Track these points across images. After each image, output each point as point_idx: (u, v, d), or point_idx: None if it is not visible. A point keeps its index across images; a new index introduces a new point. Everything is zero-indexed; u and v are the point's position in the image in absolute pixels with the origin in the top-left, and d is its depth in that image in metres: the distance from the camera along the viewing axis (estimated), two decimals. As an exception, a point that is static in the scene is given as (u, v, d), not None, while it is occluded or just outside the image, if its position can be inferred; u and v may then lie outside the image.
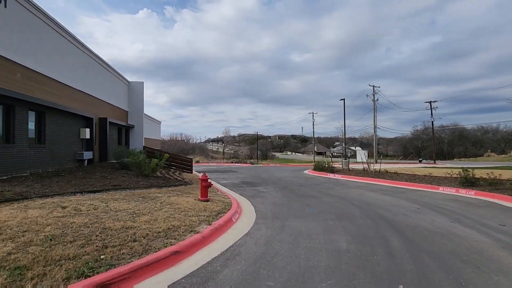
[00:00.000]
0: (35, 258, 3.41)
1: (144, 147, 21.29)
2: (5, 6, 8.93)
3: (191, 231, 4.98)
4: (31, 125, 10.31)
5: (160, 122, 42.97)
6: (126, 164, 13.87)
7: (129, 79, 22.20)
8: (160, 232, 4.75)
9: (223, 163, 47.70)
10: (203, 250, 4.43)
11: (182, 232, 4.85)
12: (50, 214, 5.25)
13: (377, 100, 40.98)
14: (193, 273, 3.58)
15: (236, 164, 44.14)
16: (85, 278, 3.11)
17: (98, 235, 4.33)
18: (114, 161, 16.15)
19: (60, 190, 7.52)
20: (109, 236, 4.35)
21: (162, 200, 7.36)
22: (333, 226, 6.00)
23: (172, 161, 18.38)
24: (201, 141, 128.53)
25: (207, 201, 7.80)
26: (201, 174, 8.95)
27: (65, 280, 3.02)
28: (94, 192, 7.87)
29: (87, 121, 14.52)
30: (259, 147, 70.83)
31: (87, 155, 13.75)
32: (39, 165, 10.49)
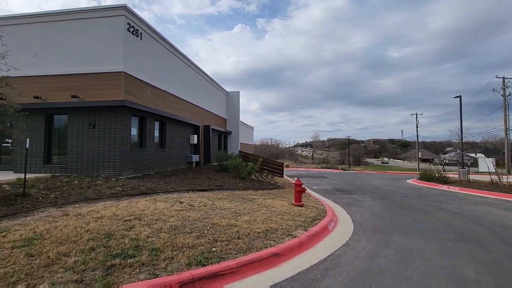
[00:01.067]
0: (165, 243, 4.14)
1: (239, 151, 23.11)
2: (141, 39, 11.31)
3: (288, 234, 5.09)
4: (156, 133, 12.67)
5: (253, 128, 45.88)
6: (225, 166, 15.35)
7: (227, 90, 24.59)
8: (259, 232, 5.03)
9: (313, 168, 46.91)
10: (301, 256, 4.44)
11: (280, 235, 5.00)
12: (172, 207, 6.29)
13: (510, 95, 32.48)
14: (293, 278, 3.63)
15: (326, 169, 42.70)
16: (202, 266, 3.58)
17: (209, 230, 4.93)
18: (215, 164, 18.12)
19: (177, 187, 8.93)
20: (217, 232, 4.88)
21: (259, 202, 7.78)
22: (452, 248, 5.05)
23: (265, 165, 19.26)
24: (290, 145, 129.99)
25: (301, 206, 7.81)
26: (293, 178, 9.02)
27: (187, 265, 3.55)
28: (202, 190, 9.00)
29: (195, 129, 16.84)
30: (351, 152, 66.50)
31: (195, 158, 15.90)
32: (161, 166, 12.77)
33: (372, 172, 39.70)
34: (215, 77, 19.97)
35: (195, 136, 16.26)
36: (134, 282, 3.09)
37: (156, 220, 5.19)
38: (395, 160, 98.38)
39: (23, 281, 2.97)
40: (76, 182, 8.21)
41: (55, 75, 10.57)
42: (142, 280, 3.14)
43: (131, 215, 5.35)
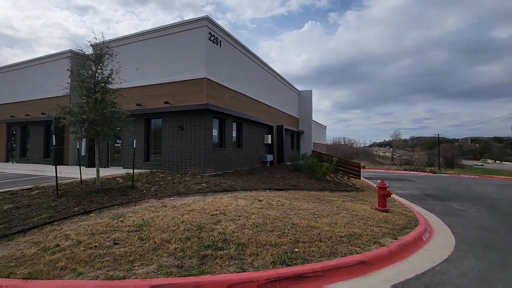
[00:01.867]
0: (249, 239, 4.31)
1: (312, 151, 22.62)
2: (220, 46, 12.15)
3: (375, 242, 4.69)
4: (234, 134, 13.43)
5: (326, 127, 44.40)
6: (299, 166, 15.23)
7: (298, 89, 24.35)
8: (342, 236, 4.78)
9: (393, 170, 42.41)
10: (393, 267, 4.03)
11: (366, 242, 4.65)
12: (252, 205, 6.54)
13: None
14: (387, 291, 3.31)
15: (411, 172, 38.01)
16: (286, 266, 3.60)
17: (289, 229, 4.93)
18: (289, 163, 18.16)
19: (254, 186, 9.26)
20: (298, 232, 4.84)
21: (338, 204, 7.43)
22: None
23: (340, 166, 18.34)
24: (365, 145, 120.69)
25: (386, 211, 7.13)
26: (372, 181, 8.28)
27: (272, 263, 3.61)
28: (278, 190, 9.11)
29: (269, 129, 17.21)
30: (442, 153, 57.55)
31: (269, 157, 16.26)
32: (238, 165, 13.48)
33: (472, 176, 33.46)
34: (285, 77, 20.03)
35: (269, 136, 16.62)
36: (225, 273, 3.31)
37: (239, 216, 5.47)
38: (504, 162, 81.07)
39: (138, 261, 3.51)
40: (169, 178, 9.35)
41: (152, 84, 12.26)
42: (232, 273, 3.34)
43: (216, 210, 5.77)
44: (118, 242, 3.97)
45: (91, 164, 13.50)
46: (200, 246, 3.96)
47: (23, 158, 17.01)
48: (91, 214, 5.17)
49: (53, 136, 6.05)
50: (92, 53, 6.73)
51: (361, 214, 6.50)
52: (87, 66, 6.63)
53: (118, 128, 7.00)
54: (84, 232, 4.28)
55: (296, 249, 4.12)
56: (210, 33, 11.37)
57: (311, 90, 24.47)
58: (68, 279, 3.04)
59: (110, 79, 6.82)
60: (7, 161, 17.84)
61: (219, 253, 3.79)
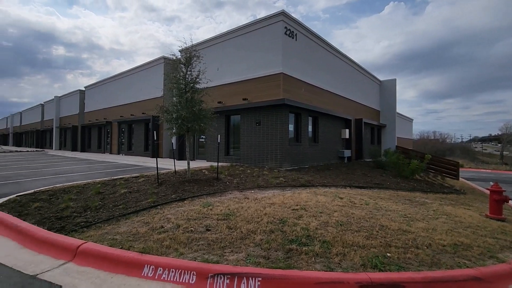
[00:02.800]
0: (334, 237, 4.13)
1: (396, 146, 20.41)
2: (296, 40, 11.98)
3: (490, 256, 3.90)
4: (309, 128, 13.13)
5: (412, 120, 39.37)
6: (381, 163, 13.96)
7: (379, 78, 22.18)
8: (445, 245, 4.13)
9: (504, 170, 34.79)
10: (520, 290, 3.27)
11: (478, 255, 3.90)
12: (332, 202, 6.27)
13: None
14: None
15: (531, 173, 30.52)
16: (379, 270, 3.30)
17: (378, 231, 4.52)
18: (369, 160, 16.82)
19: (333, 182, 8.88)
20: (388, 235, 4.40)
21: (434, 208, 6.48)
22: None
23: (431, 164, 16.02)
24: (463, 140, 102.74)
25: (502, 220, 5.87)
26: (474, 182, 6.89)
27: (362, 266, 3.36)
28: (360, 187, 8.51)
29: (346, 123, 16.25)
30: None
31: (347, 153, 15.37)
32: (314, 160, 13.16)
33: None
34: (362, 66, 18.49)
35: (347, 130, 15.69)
36: (312, 270, 3.24)
37: (320, 213, 5.31)
38: None
39: (228, 248, 3.75)
40: (248, 171, 9.78)
41: (230, 83, 12.98)
42: (318, 270, 3.24)
43: (297, 205, 5.73)
44: (209, 228, 4.33)
45: (181, 157, 15.23)
46: (284, 240, 3.99)
47: (129, 151, 20.39)
48: (185, 201, 5.80)
49: (154, 132, 7.02)
50: (182, 57, 7.49)
51: (467, 221, 5.51)
52: (179, 69, 7.42)
53: (204, 125, 7.64)
54: (181, 217, 4.81)
55: (388, 254, 3.75)
56: (285, 27, 11.31)
57: (395, 79, 21.98)
58: (173, 257, 3.46)
59: (197, 79, 7.48)
60: (118, 153, 21.68)
61: (303, 248, 3.74)
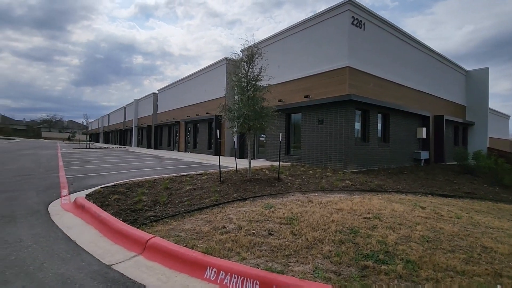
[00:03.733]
0: (420, 257, 3.42)
1: (488, 148, 17.19)
2: (364, 30, 10.92)
3: None
4: (379, 126, 11.87)
5: (509, 116, 32.72)
6: (470, 168, 11.82)
7: (465, 68, 18.95)
8: None
9: None
10: None
11: None
12: (412, 212, 5.38)
13: None
14: None
15: None
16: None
17: (480, 254, 3.61)
18: (451, 163, 14.48)
19: (409, 188, 7.75)
20: (496, 260, 3.47)
21: (558, 228, 5.01)
22: None
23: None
24: None
25: None
26: None
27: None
28: (445, 196, 7.23)
29: (423, 120, 14.27)
30: None
31: (424, 155, 13.48)
32: (383, 162, 11.86)
33: None
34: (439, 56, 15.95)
35: (424, 129, 13.75)
36: (397, 296, 2.67)
37: (399, 224, 4.56)
38: None
39: (293, 257, 3.40)
40: (310, 172, 9.27)
41: (291, 80, 12.57)
42: (405, 298, 2.66)
43: (368, 213, 5.06)
44: (272, 233, 4.06)
45: (241, 155, 15.49)
46: (357, 254, 3.46)
47: (194, 149, 21.72)
48: (246, 201, 5.66)
49: (217, 131, 7.12)
50: (244, 55, 7.42)
51: None
52: (241, 67, 7.37)
53: (266, 123, 7.45)
54: (243, 217, 4.66)
55: (498, 286, 2.91)
56: (353, 17, 10.39)
57: (487, 68, 18.45)
58: (235, 261, 3.28)
59: (259, 76, 7.32)
60: (185, 151, 23.33)
61: (382, 267, 3.16)
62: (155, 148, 30.17)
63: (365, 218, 4.81)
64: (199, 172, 9.38)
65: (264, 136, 14.21)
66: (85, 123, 41.70)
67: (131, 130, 38.42)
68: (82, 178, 9.01)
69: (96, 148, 31.48)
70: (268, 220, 4.58)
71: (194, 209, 5.00)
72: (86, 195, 6.12)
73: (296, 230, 4.13)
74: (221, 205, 5.35)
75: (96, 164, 13.48)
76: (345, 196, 6.55)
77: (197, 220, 4.60)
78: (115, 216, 4.68)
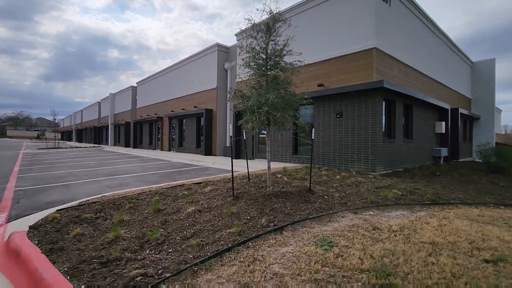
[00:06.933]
0: None
1: (496, 143, 16.30)
2: (390, 5, 9.21)
3: None
4: (402, 120, 10.26)
5: (501, 110, 32.65)
6: (498, 166, 10.58)
7: (472, 59, 17.96)
8: None
9: None
10: None
11: None
12: (504, 233, 3.70)
13: None
14: None
15: None
16: None
17: None
18: (468, 160, 13.27)
19: (470, 197, 6.15)
20: None
21: None
22: None
23: None
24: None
25: None
26: None
27: None
28: (519, 207, 5.66)
29: (441, 114, 12.92)
30: None
31: (443, 152, 12.12)
32: (408, 161, 10.32)
33: None
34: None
35: (443, 123, 12.39)
36: None
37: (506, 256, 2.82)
38: None
39: None
40: (337, 177, 7.45)
41: (303, 65, 10.63)
42: None
43: (477, 249, 3.30)
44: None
45: (237, 155, 13.47)
46: None
47: (180, 148, 19.37)
48: (284, 232, 3.72)
49: (229, 125, 5.10)
50: (263, 23, 5.41)
51: None
52: (259, 37, 5.37)
53: (295, 115, 5.55)
54: (295, 269, 2.73)
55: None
56: (378, -13, 8.62)
57: (494, 59, 17.53)
58: None
59: (284, 52, 5.35)
60: (169, 149, 20.90)
61: None
62: (135, 147, 27.35)
63: (483, 260, 3.03)
64: (196, 180, 7.31)
65: (265, 132, 12.22)
66: (55, 120, 37.71)
67: (107, 127, 35.06)
68: (37, 191, 6.66)
69: (66, 147, 28.10)
70: (340, 269, 2.68)
71: (210, 257, 2.99)
72: (30, 227, 3.92)
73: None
74: (250, 243, 3.38)
75: (62, 168, 10.96)
76: (408, 213, 4.78)
77: (221, 279, 2.61)
78: (71, 279, 2.59)
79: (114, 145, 32.88)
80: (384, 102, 9.34)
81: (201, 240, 3.37)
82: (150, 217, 4.24)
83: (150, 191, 5.85)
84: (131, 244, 3.33)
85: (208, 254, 3.04)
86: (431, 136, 12.37)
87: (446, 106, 12.62)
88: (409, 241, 3.51)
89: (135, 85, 28.12)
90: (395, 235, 3.69)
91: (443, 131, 12.39)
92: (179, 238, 3.45)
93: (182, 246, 3.23)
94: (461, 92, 16.27)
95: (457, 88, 15.60)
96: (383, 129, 9.20)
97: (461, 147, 14.58)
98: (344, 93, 9.05)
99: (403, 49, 10.01)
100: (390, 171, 9.02)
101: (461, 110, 14.15)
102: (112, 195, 5.63)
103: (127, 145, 28.51)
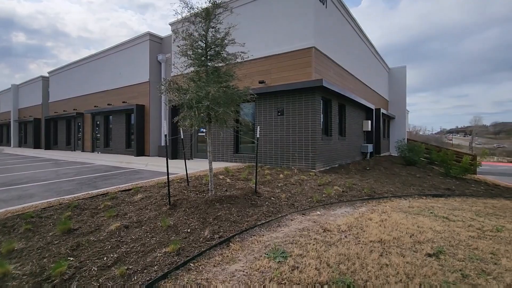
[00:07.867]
0: None
1: (408, 140, 18.85)
2: (326, 7, 9.53)
3: None
4: (337, 119, 10.78)
5: (408, 111, 38.18)
6: (411, 160, 12.16)
7: (389, 66, 20.41)
8: None
9: (494, 162, 35.24)
10: None
11: None
12: (448, 227, 4.02)
13: None
14: None
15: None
16: None
17: None
18: (386, 154, 14.94)
19: (398, 189, 6.69)
20: None
21: None
22: None
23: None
24: (432, 132, 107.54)
25: None
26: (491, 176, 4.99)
27: None
28: (434, 196, 6.37)
29: (367, 113, 14.18)
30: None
31: (370, 148, 13.33)
32: (341, 158, 10.93)
33: None
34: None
35: (369, 122, 13.62)
36: None
37: (478, 260, 3.01)
38: None
39: None
40: (281, 175, 7.31)
41: (240, 62, 10.28)
42: None
43: (418, 242, 3.40)
44: None
45: (174, 155, 12.42)
46: None
47: (107, 148, 17.07)
48: (231, 244, 3.25)
49: (164, 123, 4.35)
50: (200, 10, 4.79)
51: None
52: (197, 23, 4.74)
53: (237, 111, 5.10)
54: (252, 296, 2.30)
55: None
56: (316, -11, 8.81)
57: (405, 67, 20.30)
58: None
59: (225, 41, 4.84)
60: (92, 151, 18.25)
61: None
62: (47, 148, 23.17)
63: (427, 255, 3.11)
64: (123, 186, 6.25)
65: (204, 130, 11.51)
66: None
67: (8, 124, 29.00)
68: None
69: None
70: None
71: (140, 290, 2.32)
72: None
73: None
74: (191, 264, 2.80)
75: None
76: (351, 210, 4.84)
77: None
78: None
79: (19, 146, 27.40)
80: (322, 101, 9.65)
81: (127, 268, 2.65)
82: (55, 242, 3.26)
83: (60, 205, 4.67)
84: (23, 286, 2.41)
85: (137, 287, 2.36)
86: (360, 134, 13.50)
87: (372, 106, 13.94)
88: (360, 241, 3.43)
89: (47, 75, 23.80)
90: (346, 236, 3.58)
91: (369, 129, 13.64)
92: (96, 269, 2.65)
93: (100, 280, 2.47)
94: (381, 94, 18.29)
95: (378, 91, 17.46)
96: (322, 127, 9.50)
97: (382, 143, 16.35)
98: (285, 90, 9.02)
99: (336, 51, 10.54)
100: (328, 168, 9.38)
101: (382, 110, 15.86)
102: (4, 212, 4.29)
103: (37, 146, 23.99)
